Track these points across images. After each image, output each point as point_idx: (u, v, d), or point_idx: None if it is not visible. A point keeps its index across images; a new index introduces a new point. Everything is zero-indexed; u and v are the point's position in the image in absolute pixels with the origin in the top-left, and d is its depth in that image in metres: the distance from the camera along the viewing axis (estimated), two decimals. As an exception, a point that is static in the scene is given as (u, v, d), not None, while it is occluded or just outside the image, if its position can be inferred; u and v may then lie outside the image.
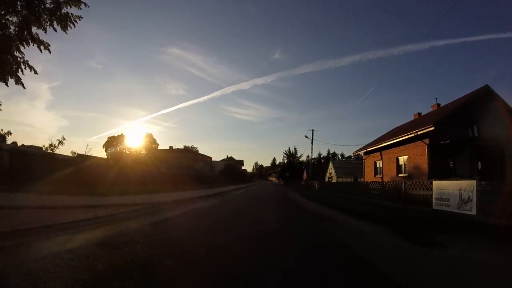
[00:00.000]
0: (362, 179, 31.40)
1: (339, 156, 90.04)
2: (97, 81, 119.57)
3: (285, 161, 78.04)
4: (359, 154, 26.04)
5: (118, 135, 79.58)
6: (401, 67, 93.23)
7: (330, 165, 41.67)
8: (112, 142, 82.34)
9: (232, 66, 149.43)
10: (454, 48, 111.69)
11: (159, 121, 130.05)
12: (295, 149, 74.80)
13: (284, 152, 75.82)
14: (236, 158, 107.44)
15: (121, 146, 78.44)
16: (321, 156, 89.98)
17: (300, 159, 74.23)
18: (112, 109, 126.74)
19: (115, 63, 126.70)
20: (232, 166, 54.62)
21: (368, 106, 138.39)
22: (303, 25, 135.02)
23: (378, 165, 22.28)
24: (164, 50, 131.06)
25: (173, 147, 57.65)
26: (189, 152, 55.51)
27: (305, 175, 58.61)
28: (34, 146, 24.61)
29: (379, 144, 20.97)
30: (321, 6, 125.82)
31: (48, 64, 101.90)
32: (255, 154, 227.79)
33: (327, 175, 43.49)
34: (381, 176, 21.28)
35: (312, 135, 31.41)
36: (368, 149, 23.35)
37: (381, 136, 23.96)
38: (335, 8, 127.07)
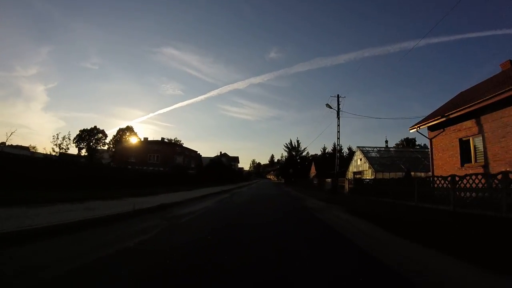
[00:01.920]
0: (421, 174, 21.07)
1: (346, 151, 79.76)
2: (93, 81, 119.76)
3: (286, 156, 67.09)
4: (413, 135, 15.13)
5: (91, 128, 68.04)
6: (398, 64, 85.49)
7: (359, 156, 30.55)
8: (84, 137, 69.05)
9: (228, 66, 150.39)
10: (450, 45, 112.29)
11: (156, 121, 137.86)
12: (297, 141, 63.90)
13: (285, 145, 64.85)
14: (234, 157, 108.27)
15: (94, 139, 64.86)
16: (326, 151, 79.59)
17: (303, 153, 63.45)
18: (109, 110, 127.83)
19: (111, 63, 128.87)
20: (220, 161, 44.10)
21: (365, 104, 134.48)
22: (298, 23, 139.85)
23: (473, 144, 11.70)
24: (159, 50, 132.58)
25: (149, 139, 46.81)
26: (167, 145, 44.75)
27: (313, 171, 48.01)
28: (21, 146, 23.85)
29: (475, 105, 10.57)
30: (317, 5, 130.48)
31: (43, 65, 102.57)
32: (253, 153, 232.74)
33: (352, 170, 32.73)
34: (482, 162, 10.92)
35: (338, 103, 20.50)
36: (444, 119, 12.73)
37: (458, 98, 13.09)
38: (331, 6, 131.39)
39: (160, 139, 49.15)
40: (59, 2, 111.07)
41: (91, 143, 61.76)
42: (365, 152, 29.99)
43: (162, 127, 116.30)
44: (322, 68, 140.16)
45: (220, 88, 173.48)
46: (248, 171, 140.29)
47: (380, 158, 28.68)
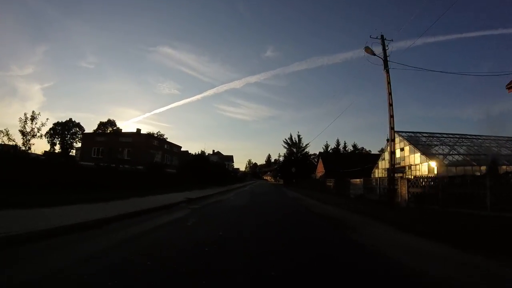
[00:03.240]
0: None
1: (350, 148, 71.38)
2: (89, 81, 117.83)
3: (285, 153, 57.98)
4: None
5: (66, 121, 59.20)
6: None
7: (401, 144, 20.93)
8: (58, 131, 59.20)
9: (224, 65, 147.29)
10: (446, 45, 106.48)
11: (152, 121, 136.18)
12: (298, 136, 54.98)
13: (284, 141, 55.84)
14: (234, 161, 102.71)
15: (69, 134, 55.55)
16: (328, 148, 70.98)
17: (305, 150, 54.58)
18: (105, 109, 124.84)
19: (107, 63, 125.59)
20: (204, 158, 35.23)
21: (363, 102, 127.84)
22: (294, 22, 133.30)
23: None
24: (155, 49, 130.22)
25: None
26: (142, 138, 35.56)
27: (320, 170, 39.09)
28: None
29: None
30: (313, 3, 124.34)
31: (39, 65, 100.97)
32: (250, 154, 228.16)
33: (383, 166, 23.81)
34: None
35: (384, 48, 11.78)
36: None
37: None
38: (327, 5, 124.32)
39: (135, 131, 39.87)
40: (55, 1, 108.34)
41: (66, 138, 53.51)
42: (413, 139, 21.15)
43: (158, 127, 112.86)
44: (319, 67, 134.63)
45: (217, 88, 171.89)
46: (243, 172, 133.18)
47: (441, 147, 19.71)
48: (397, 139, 21.35)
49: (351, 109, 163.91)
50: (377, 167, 27.10)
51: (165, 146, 39.66)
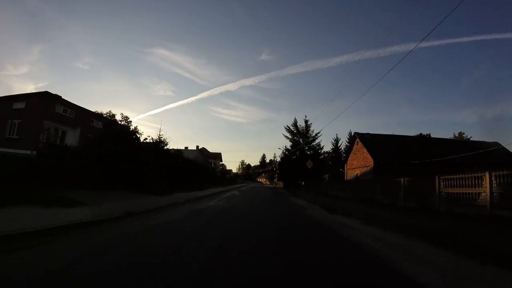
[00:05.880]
0: None
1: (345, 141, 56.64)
2: (84, 82, 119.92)
3: (286, 147, 42.54)
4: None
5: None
6: (388, 66, 78.66)
7: None
8: None
9: (220, 67, 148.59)
10: (439, 49, 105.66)
11: (147, 122, 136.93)
12: (306, 122, 39.88)
13: (287, 128, 40.51)
14: (225, 160, 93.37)
15: None
16: (339, 143, 56.09)
17: (314, 142, 39.48)
18: (99, 110, 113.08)
19: (102, 63, 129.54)
20: (160, 146, 20.42)
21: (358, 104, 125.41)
22: (290, 26, 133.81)
23: None
24: (151, 51, 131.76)
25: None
26: (37, 99, 20.01)
27: (357, 164, 22.94)
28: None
29: None
30: (308, 7, 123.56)
31: (34, 65, 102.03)
32: (244, 156, 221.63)
33: None
34: None
35: None
36: None
37: None
38: (322, 9, 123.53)
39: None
40: (52, 0, 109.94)
41: None
42: None
43: (152, 128, 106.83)
44: (314, 70, 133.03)
45: (211, 90, 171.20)
46: (235, 174, 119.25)
47: None
48: None
49: (348, 113, 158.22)
50: None
51: (94, 122, 23.70)
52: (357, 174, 23.35)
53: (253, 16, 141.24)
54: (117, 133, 14.23)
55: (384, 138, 24.39)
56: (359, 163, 23.21)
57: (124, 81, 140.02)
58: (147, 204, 8.92)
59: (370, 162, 20.94)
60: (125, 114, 22.83)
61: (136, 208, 7.73)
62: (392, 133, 30.35)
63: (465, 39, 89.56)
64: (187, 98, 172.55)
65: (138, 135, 17.09)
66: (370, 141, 22.86)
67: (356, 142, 25.03)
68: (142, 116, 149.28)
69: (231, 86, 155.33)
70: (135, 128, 16.70)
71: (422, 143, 24.74)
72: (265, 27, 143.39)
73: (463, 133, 53.35)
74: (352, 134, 25.07)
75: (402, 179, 11.82)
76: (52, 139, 18.92)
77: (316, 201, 14.54)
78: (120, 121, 15.31)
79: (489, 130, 61.44)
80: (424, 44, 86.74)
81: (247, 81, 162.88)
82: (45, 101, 19.08)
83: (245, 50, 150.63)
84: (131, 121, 17.65)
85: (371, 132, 24.88)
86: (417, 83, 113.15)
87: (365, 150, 22.14)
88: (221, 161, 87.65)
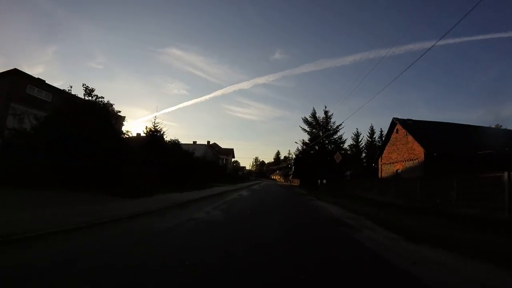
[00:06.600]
0: None
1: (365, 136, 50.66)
2: (98, 81, 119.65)
3: (304, 141, 37.65)
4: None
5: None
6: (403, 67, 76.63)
7: None
8: None
9: (233, 66, 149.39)
10: (454, 48, 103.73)
11: (161, 120, 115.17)
12: (326, 113, 35.02)
13: (304, 119, 35.60)
14: (239, 157, 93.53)
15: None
16: (360, 139, 50.53)
17: (335, 135, 34.53)
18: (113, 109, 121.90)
19: (116, 63, 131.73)
20: (154, 138, 16.78)
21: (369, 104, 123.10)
22: (303, 26, 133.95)
23: None
24: (164, 51, 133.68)
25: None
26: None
27: (395, 157, 17.49)
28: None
29: None
30: (321, 7, 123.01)
31: (49, 65, 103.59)
32: (258, 153, 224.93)
33: None
34: None
35: None
36: None
37: None
38: (335, 9, 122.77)
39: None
40: (65, 2, 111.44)
41: None
42: None
43: (166, 126, 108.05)
44: (326, 69, 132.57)
45: (225, 88, 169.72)
46: (249, 171, 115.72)
47: None
48: None
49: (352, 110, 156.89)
50: None
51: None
52: (397, 170, 18.51)
53: (265, 17, 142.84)
54: (81, 109, 10.47)
55: (429, 125, 19.29)
56: (401, 156, 18.28)
57: (138, 80, 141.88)
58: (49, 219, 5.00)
59: (418, 154, 16.04)
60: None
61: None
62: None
63: (480, 37, 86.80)
64: (201, 97, 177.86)
65: (121, 120, 13.41)
66: (414, 127, 17.91)
67: (395, 130, 19.77)
68: (156, 114, 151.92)
69: (244, 85, 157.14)
70: (114, 110, 13.00)
71: (470, 133, 19.06)
72: (277, 27, 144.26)
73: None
74: (391, 120, 19.78)
75: (505, 173, 7.23)
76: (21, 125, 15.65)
77: (355, 210, 10.16)
78: (84, 95, 11.45)
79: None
80: (440, 42, 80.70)
81: (260, 80, 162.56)
82: (13, 81, 15.73)
83: (257, 50, 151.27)
84: (112, 104, 13.91)
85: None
86: (432, 83, 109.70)
87: (409, 139, 17.20)
88: (234, 158, 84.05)
